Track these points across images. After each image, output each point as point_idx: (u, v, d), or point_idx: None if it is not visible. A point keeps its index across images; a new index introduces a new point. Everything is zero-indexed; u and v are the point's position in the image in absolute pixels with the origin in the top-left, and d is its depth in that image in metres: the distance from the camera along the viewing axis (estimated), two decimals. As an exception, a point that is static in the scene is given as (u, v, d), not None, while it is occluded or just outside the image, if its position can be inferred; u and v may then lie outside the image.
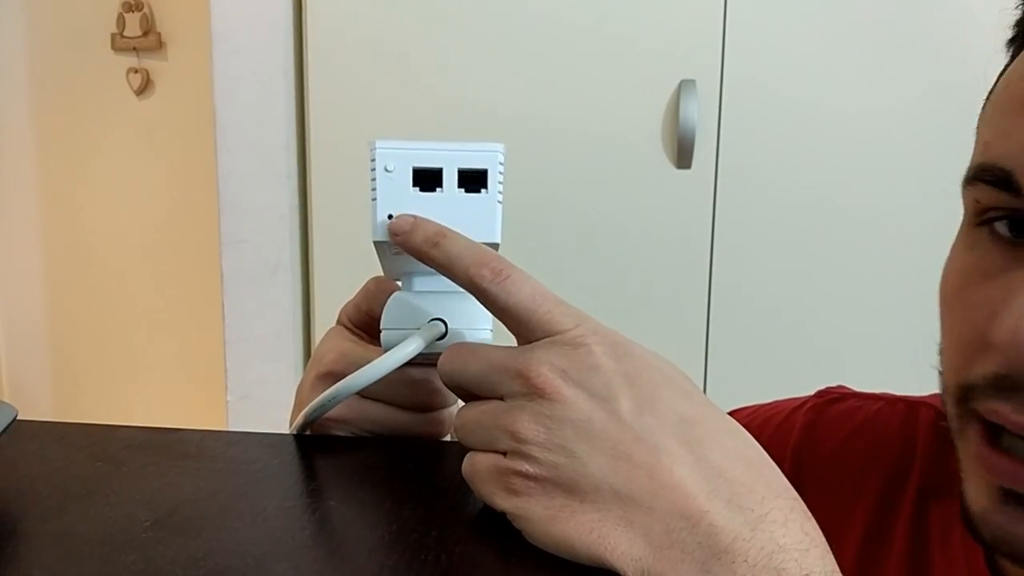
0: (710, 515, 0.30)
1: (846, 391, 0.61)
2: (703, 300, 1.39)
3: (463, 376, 0.35)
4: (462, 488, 0.37)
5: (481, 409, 0.34)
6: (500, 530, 0.33)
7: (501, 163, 0.39)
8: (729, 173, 1.36)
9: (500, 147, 0.40)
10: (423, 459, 0.41)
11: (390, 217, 0.38)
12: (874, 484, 0.54)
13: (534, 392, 0.32)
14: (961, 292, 0.42)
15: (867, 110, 1.34)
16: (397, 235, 0.37)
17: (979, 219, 0.41)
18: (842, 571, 0.42)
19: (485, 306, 0.35)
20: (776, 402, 0.62)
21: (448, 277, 0.36)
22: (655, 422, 0.32)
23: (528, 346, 0.34)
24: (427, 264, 0.37)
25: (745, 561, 0.29)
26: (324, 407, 0.41)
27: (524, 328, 0.34)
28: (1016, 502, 0.39)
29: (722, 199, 1.37)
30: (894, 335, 1.32)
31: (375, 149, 0.39)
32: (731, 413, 0.63)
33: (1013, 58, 0.44)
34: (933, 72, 1.32)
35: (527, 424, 0.32)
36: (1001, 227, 0.40)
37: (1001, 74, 0.43)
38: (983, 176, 0.39)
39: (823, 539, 0.32)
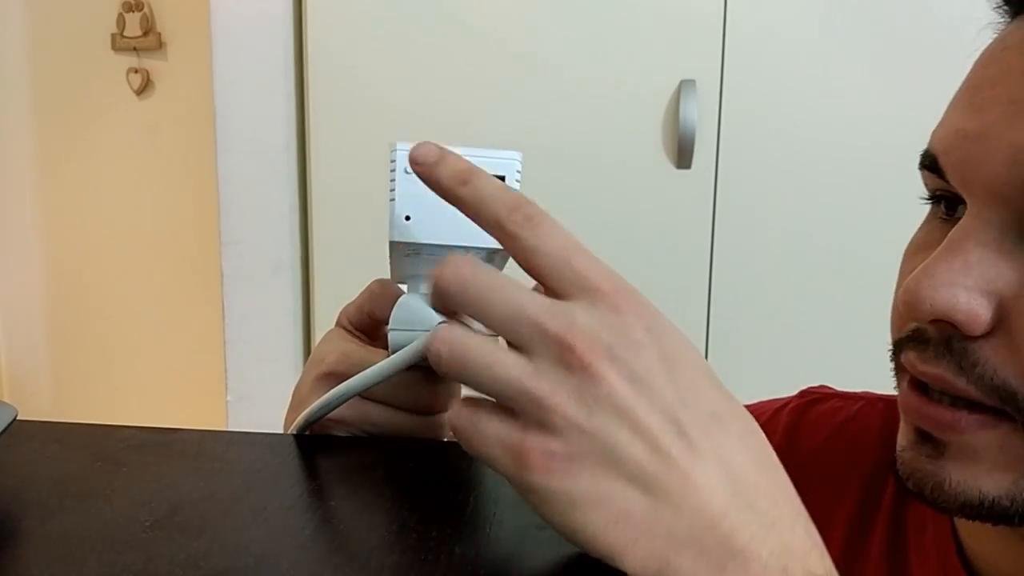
0: (731, 517, 0.30)
1: (828, 391, 0.61)
2: (703, 300, 1.39)
3: (481, 311, 0.31)
4: (462, 488, 0.37)
5: (497, 358, 0.30)
6: (500, 530, 0.33)
7: (519, 171, 0.39)
8: (729, 173, 1.36)
9: (518, 155, 0.40)
10: (423, 459, 0.41)
11: (408, 219, 0.38)
12: (855, 484, 0.55)
13: (575, 365, 0.29)
14: (904, 263, 0.47)
15: (866, 110, 1.34)
16: (420, 165, 0.33)
17: (929, 200, 0.46)
18: None
19: (513, 255, 0.32)
20: (760, 403, 0.63)
21: (474, 220, 0.33)
22: (691, 417, 0.31)
23: (566, 305, 0.30)
24: (451, 203, 0.33)
25: (758, 561, 0.29)
26: (327, 407, 0.41)
27: (556, 280, 0.31)
28: (926, 441, 0.41)
29: (722, 199, 1.37)
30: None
31: (396, 151, 0.38)
32: None
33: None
34: (933, 73, 1.32)
35: (565, 400, 0.29)
36: (939, 206, 0.44)
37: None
38: (923, 162, 0.44)
39: (821, 541, 0.32)
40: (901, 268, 0.47)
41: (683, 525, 0.29)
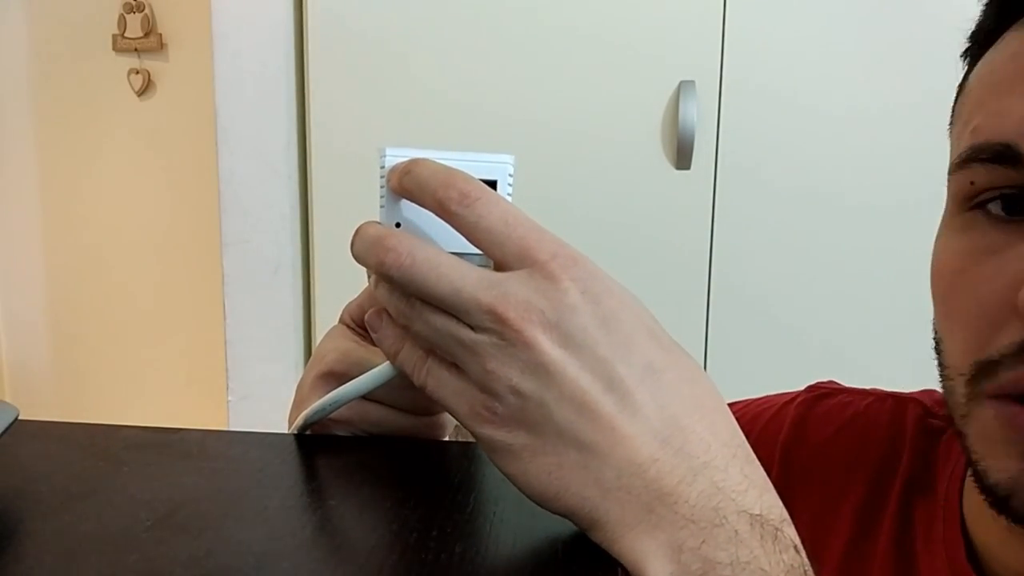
0: (659, 462, 0.31)
1: (836, 386, 0.61)
2: (702, 300, 1.39)
3: (422, 289, 0.33)
4: (462, 488, 0.37)
5: (444, 323, 0.33)
6: (500, 530, 0.34)
7: (511, 175, 0.39)
8: (728, 174, 1.36)
9: (510, 158, 0.40)
10: (423, 459, 0.41)
11: (398, 225, 0.38)
12: (861, 479, 0.55)
13: (507, 333, 0.32)
14: (962, 273, 0.42)
15: (866, 110, 1.34)
16: (390, 181, 0.36)
17: (971, 203, 0.42)
18: (829, 566, 0.43)
19: (461, 233, 0.34)
20: (767, 397, 0.63)
21: (419, 205, 0.35)
22: (625, 371, 0.32)
23: (501, 276, 0.32)
24: (402, 196, 0.36)
25: (687, 502, 0.31)
26: (324, 410, 0.41)
27: (499, 253, 0.33)
28: None
29: (721, 200, 1.37)
30: (893, 334, 1.32)
31: (385, 156, 0.38)
32: (734, 403, 0.64)
33: (970, 68, 0.45)
34: (931, 72, 1.32)
35: (497, 365, 0.32)
36: (995, 207, 0.41)
37: (962, 83, 0.45)
38: (979, 155, 0.40)
39: (764, 481, 0.33)
40: (954, 280, 0.43)
41: (612, 472, 0.31)
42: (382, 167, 0.38)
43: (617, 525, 0.31)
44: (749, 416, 0.61)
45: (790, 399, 0.61)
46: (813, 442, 0.57)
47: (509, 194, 0.39)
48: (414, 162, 0.35)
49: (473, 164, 0.38)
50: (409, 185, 0.35)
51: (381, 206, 0.38)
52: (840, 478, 0.55)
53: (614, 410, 0.32)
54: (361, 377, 0.40)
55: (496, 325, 0.32)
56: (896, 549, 0.51)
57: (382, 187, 0.38)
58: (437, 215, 0.34)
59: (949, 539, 0.49)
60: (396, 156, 0.37)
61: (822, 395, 0.60)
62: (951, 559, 0.48)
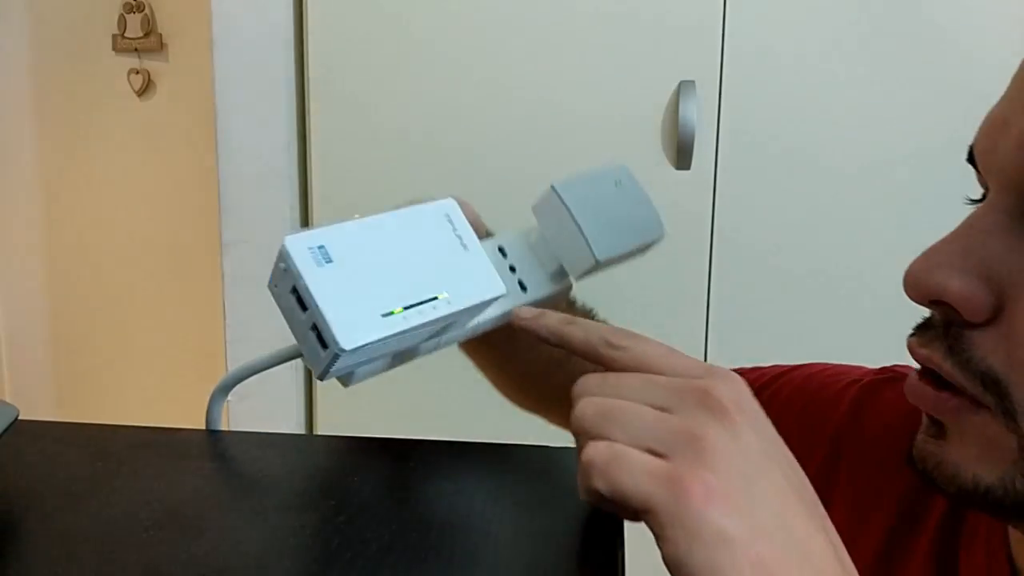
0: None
1: (905, 372, 0.59)
2: (702, 300, 1.39)
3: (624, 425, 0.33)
4: (462, 488, 0.37)
5: (636, 409, 0.33)
6: (500, 530, 0.34)
7: (453, 217, 0.40)
8: (728, 174, 1.36)
9: (449, 202, 0.41)
10: (423, 459, 0.41)
11: (304, 308, 0.37)
12: (909, 476, 0.53)
13: (715, 408, 0.32)
14: None
15: (866, 111, 1.34)
16: (525, 319, 0.41)
17: (981, 200, 0.44)
18: (864, 557, 0.43)
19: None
20: (839, 369, 0.62)
21: (580, 349, 0.39)
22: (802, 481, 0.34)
23: (699, 374, 0.34)
24: (559, 344, 0.40)
25: None
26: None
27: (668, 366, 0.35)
28: (933, 423, 0.41)
29: (721, 200, 1.37)
30: (894, 334, 1.32)
31: (286, 247, 0.37)
32: (798, 368, 0.63)
33: None
34: (931, 72, 1.32)
35: (715, 433, 0.31)
36: None
37: None
38: (967, 156, 0.43)
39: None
40: None
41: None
42: (284, 261, 0.37)
43: None
44: (815, 385, 0.60)
45: (856, 378, 0.60)
46: (867, 432, 0.56)
47: (459, 235, 0.40)
48: (568, 315, 0.40)
49: (412, 213, 0.39)
50: (575, 333, 0.39)
51: (315, 305, 0.36)
52: (886, 473, 0.54)
53: (811, 515, 0.32)
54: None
55: (705, 404, 0.32)
56: (937, 553, 0.50)
57: (298, 285, 0.36)
58: (599, 355, 0.37)
59: (992, 550, 0.47)
60: (299, 241, 0.37)
61: (889, 379, 0.59)
62: (991, 565, 0.47)
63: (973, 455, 0.39)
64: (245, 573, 0.30)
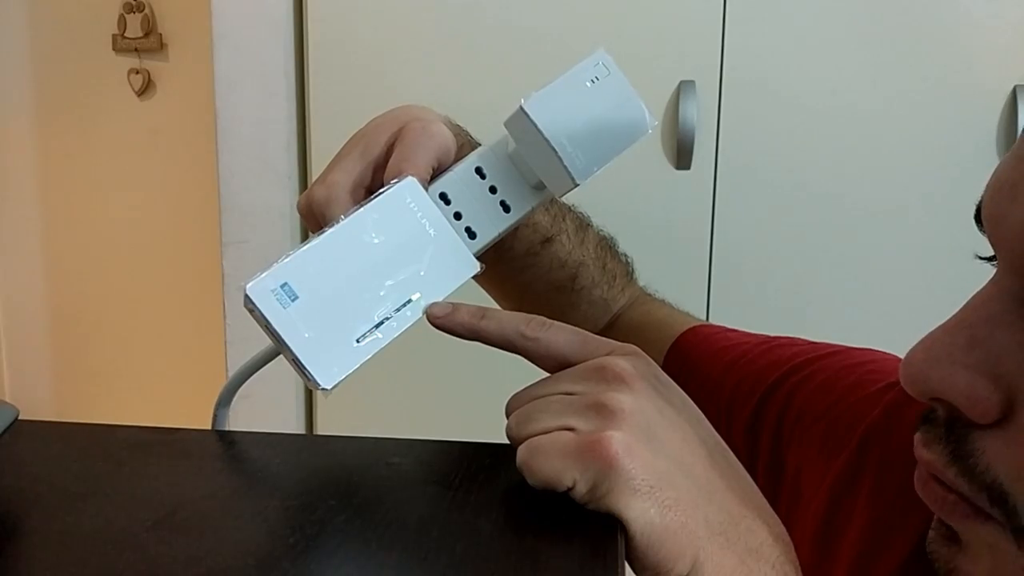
0: (747, 520, 0.36)
1: None
2: (702, 300, 1.39)
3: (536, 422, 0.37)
4: (462, 488, 0.37)
5: (545, 402, 0.37)
6: (500, 529, 0.34)
7: (414, 198, 0.40)
8: (728, 174, 1.36)
9: (408, 182, 0.41)
10: (423, 459, 0.41)
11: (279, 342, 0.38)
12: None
13: (611, 377, 0.36)
14: None
15: (866, 110, 1.34)
16: (440, 317, 0.40)
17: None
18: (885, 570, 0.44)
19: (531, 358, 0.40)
20: (878, 367, 0.58)
21: (499, 340, 0.40)
22: (709, 433, 0.38)
23: (603, 353, 0.38)
24: (472, 337, 0.40)
25: (768, 561, 0.35)
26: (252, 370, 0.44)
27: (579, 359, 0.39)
28: (942, 524, 0.38)
29: (721, 199, 1.37)
30: (894, 333, 1.32)
31: (247, 292, 0.37)
32: (837, 354, 0.60)
33: None
34: (932, 72, 1.32)
35: (611, 394, 0.35)
36: None
37: None
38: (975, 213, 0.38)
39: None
40: None
41: (719, 517, 0.35)
42: (250, 305, 0.37)
43: (717, 570, 0.33)
44: (852, 380, 0.56)
45: (895, 381, 0.54)
46: (895, 440, 0.51)
47: (424, 219, 0.40)
48: (480, 308, 0.40)
49: (372, 209, 0.39)
50: (489, 326, 0.40)
51: (292, 358, 0.37)
52: (911, 489, 0.52)
53: (713, 461, 0.36)
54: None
55: (600, 374, 0.37)
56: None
57: (275, 331, 0.37)
58: (515, 346, 0.39)
59: None
60: (261, 285, 0.37)
61: None
62: None
63: (985, 569, 0.36)
64: (245, 573, 0.30)
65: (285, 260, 0.37)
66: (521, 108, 0.46)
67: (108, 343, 1.86)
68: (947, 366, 0.33)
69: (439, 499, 0.36)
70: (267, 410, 1.43)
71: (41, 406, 1.90)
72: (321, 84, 1.38)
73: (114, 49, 1.73)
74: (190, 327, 1.79)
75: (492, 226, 0.46)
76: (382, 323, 0.38)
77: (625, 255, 0.72)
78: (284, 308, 0.36)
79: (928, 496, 0.37)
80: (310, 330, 0.36)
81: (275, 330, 0.36)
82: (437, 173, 0.47)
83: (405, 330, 0.39)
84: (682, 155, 1.34)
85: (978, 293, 0.35)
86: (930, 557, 0.39)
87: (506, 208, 0.47)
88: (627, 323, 0.69)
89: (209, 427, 0.45)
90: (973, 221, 0.36)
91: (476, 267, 0.41)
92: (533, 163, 0.46)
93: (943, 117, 1.32)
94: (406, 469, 0.40)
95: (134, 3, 1.71)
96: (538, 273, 0.62)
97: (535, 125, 0.45)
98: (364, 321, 0.37)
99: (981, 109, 1.30)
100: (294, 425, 1.43)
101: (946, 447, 0.35)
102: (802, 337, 0.65)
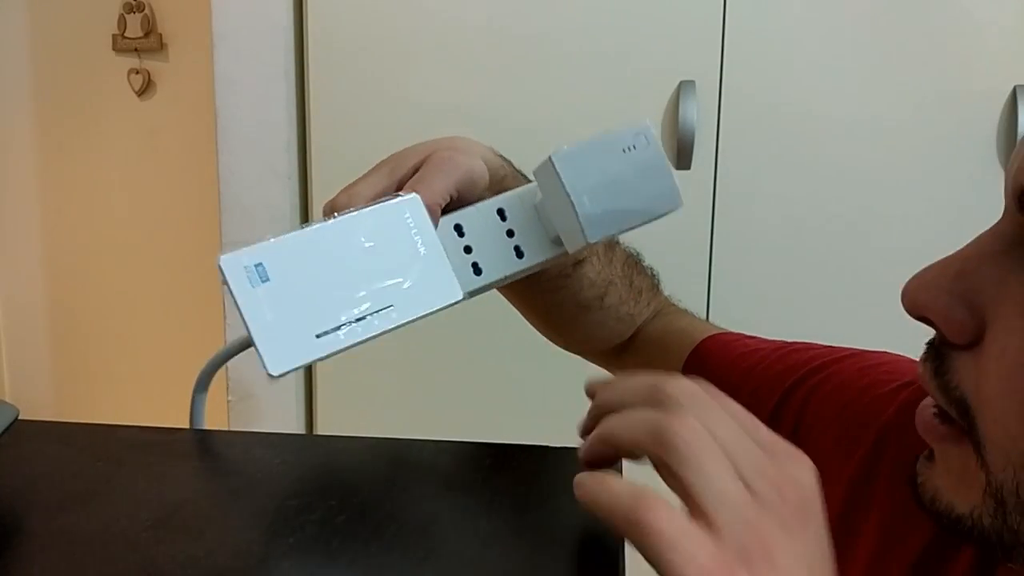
0: None
1: None
2: (702, 300, 1.39)
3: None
4: (462, 488, 0.37)
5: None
6: (500, 530, 0.34)
7: (414, 215, 0.40)
8: (728, 174, 1.36)
9: (411, 199, 0.40)
10: (423, 460, 0.41)
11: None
12: None
13: (667, 403, 0.34)
14: None
15: (866, 111, 1.34)
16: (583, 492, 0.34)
17: None
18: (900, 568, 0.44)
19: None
20: (894, 368, 0.60)
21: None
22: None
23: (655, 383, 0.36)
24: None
25: None
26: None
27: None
28: (929, 449, 0.42)
29: (721, 200, 1.37)
30: (894, 335, 1.32)
31: (221, 266, 0.37)
32: (852, 357, 0.61)
33: None
34: (932, 73, 1.32)
35: (669, 420, 0.33)
36: None
37: None
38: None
39: None
40: None
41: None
42: (222, 275, 0.36)
43: None
44: (867, 381, 0.58)
45: (910, 381, 0.57)
46: (910, 438, 0.53)
47: (418, 236, 0.40)
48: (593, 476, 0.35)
49: (375, 209, 0.39)
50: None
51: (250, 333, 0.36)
52: None
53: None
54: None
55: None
56: (978, 571, 0.48)
57: (226, 291, 0.37)
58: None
59: None
60: (235, 260, 0.36)
61: None
62: None
63: (951, 483, 0.40)
64: (245, 573, 0.30)
65: (268, 241, 0.37)
66: (549, 158, 0.46)
67: (108, 343, 1.86)
68: (933, 290, 0.39)
69: (439, 499, 0.36)
70: (267, 410, 1.43)
71: (41, 406, 1.89)
72: (321, 84, 1.38)
73: (114, 49, 1.74)
74: (190, 327, 1.79)
75: (500, 267, 0.46)
76: (348, 324, 0.37)
77: (651, 268, 0.71)
78: (252, 287, 0.36)
79: (918, 419, 0.41)
80: (273, 313, 0.36)
81: (238, 305, 0.36)
82: (458, 204, 0.47)
83: (370, 339, 0.37)
84: (682, 155, 1.34)
85: (980, 235, 0.39)
86: (914, 477, 0.42)
87: (519, 254, 0.47)
88: (649, 334, 0.69)
89: (208, 427, 0.45)
90: (976, 217, 0.40)
91: (458, 296, 0.40)
92: (552, 214, 0.47)
93: (943, 117, 1.32)
94: (406, 469, 0.40)
95: (134, 3, 1.71)
96: (568, 294, 0.61)
97: (559, 176, 0.45)
98: (330, 319, 0.36)
99: (981, 109, 1.30)
100: (294, 425, 1.43)
101: (932, 364, 0.40)
102: (806, 340, 0.65)
